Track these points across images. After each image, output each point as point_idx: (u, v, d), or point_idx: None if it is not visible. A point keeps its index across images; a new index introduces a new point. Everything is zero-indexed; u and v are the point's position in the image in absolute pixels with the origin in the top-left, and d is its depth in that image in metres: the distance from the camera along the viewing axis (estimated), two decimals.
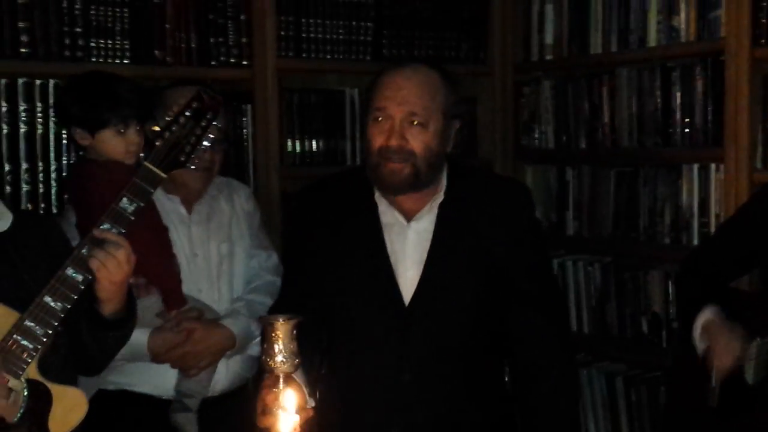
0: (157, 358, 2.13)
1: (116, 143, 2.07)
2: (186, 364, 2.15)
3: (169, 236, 2.17)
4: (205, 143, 1.79)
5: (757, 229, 2.00)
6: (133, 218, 1.67)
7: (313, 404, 1.69)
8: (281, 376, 1.60)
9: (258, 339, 2.19)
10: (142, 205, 1.68)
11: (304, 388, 1.83)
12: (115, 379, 2.15)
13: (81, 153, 2.24)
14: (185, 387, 2.17)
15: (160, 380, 2.17)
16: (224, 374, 2.22)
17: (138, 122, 2.10)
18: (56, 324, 1.63)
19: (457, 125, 2.06)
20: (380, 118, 1.97)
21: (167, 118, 1.75)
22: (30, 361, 1.61)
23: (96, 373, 1.96)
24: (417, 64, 2.06)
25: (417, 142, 1.96)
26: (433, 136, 1.98)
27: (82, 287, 1.67)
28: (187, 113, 1.75)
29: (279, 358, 1.59)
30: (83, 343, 1.80)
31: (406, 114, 1.95)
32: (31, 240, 1.78)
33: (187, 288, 2.21)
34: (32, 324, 1.61)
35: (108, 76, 2.16)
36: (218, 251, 2.28)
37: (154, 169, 1.70)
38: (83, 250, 1.67)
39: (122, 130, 2.07)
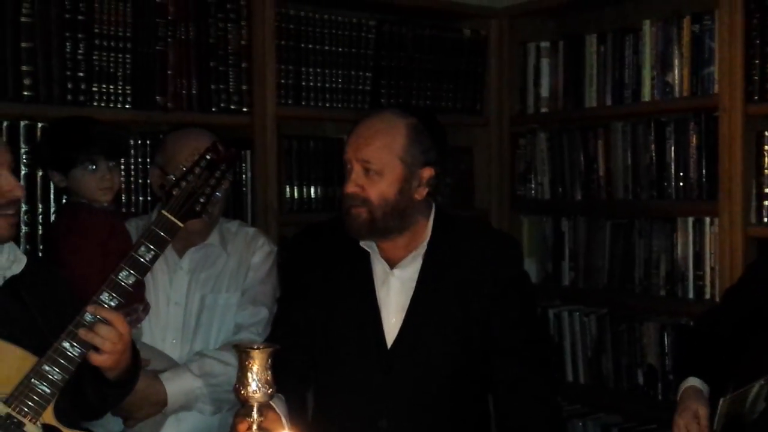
0: None
1: (88, 180, 2.10)
2: (122, 412, 2.08)
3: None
4: (218, 194, 1.79)
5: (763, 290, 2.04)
6: (150, 266, 1.67)
7: None
8: (255, 405, 1.58)
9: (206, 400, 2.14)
10: (159, 252, 1.69)
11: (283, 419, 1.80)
12: None
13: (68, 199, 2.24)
14: None
15: (112, 425, 2.12)
16: (174, 430, 2.16)
17: (108, 159, 2.12)
18: (73, 369, 1.62)
19: (429, 172, 2.04)
20: (348, 166, 2.03)
21: (183, 168, 1.76)
22: (46, 405, 1.60)
23: (94, 420, 1.93)
24: (385, 112, 2.08)
25: (372, 190, 1.99)
26: (390, 185, 1.99)
27: None
28: (202, 164, 1.76)
29: (252, 387, 1.57)
30: (85, 393, 1.78)
31: (360, 161, 2.00)
32: (43, 283, 1.78)
33: (151, 335, 2.18)
34: (49, 368, 1.61)
35: (79, 119, 2.20)
36: (200, 302, 2.24)
37: (172, 218, 1.71)
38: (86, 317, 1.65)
39: (92, 167, 2.09)
